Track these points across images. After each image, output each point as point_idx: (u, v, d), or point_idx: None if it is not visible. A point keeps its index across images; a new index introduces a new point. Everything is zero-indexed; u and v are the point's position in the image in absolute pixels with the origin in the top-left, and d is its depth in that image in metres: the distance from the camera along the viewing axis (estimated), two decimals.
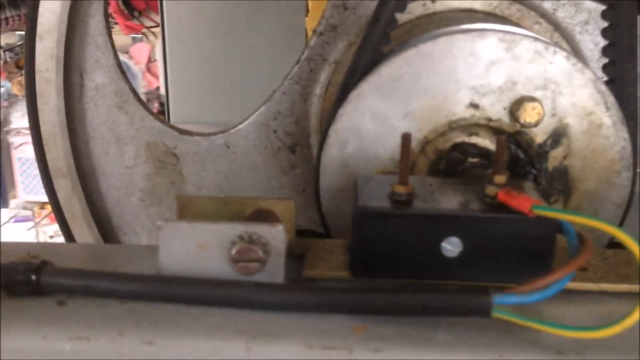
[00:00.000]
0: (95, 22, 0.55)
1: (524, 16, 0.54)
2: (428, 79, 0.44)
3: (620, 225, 0.46)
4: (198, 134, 0.60)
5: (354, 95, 0.45)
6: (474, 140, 0.47)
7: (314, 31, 0.56)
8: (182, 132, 0.60)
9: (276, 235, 0.36)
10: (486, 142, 0.47)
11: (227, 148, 0.60)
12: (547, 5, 0.53)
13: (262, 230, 0.36)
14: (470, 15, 0.53)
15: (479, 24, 0.45)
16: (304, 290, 0.35)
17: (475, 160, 0.46)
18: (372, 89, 0.44)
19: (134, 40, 3.06)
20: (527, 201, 0.35)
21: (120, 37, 3.04)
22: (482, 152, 0.46)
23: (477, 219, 0.36)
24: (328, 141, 0.46)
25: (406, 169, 0.37)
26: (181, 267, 0.36)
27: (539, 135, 0.45)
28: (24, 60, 0.52)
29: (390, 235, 0.36)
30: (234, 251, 0.36)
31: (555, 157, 0.45)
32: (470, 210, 0.37)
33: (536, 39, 0.43)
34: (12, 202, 2.56)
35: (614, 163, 0.45)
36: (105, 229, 0.63)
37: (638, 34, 0.42)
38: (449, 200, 0.38)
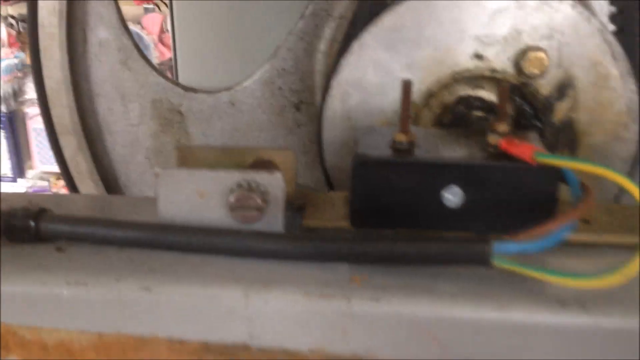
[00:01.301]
0: None
1: None
2: (431, 28, 0.43)
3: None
4: (203, 91, 0.60)
5: (355, 46, 0.44)
6: (479, 93, 0.46)
7: None
8: (187, 89, 0.60)
9: (275, 183, 0.36)
10: (491, 95, 0.46)
11: (232, 105, 0.60)
12: None
13: (260, 177, 0.36)
14: None
15: None
16: (301, 239, 0.35)
17: (480, 114, 0.46)
18: (374, 40, 0.44)
19: (146, 10, 3.05)
20: (529, 149, 0.35)
21: (132, 8, 3.03)
22: (487, 106, 0.46)
23: (478, 167, 0.36)
24: (330, 93, 0.45)
25: (406, 116, 0.37)
26: (180, 215, 0.36)
27: (544, 86, 0.44)
28: (27, 13, 0.52)
29: (390, 184, 0.36)
30: (232, 199, 0.36)
31: (561, 109, 0.44)
32: (471, 159, 0.36)
33: None
34: (29, 173, 2.58)
35: (621, 116, 0.44)
36: (112, 187, 0.63)
37: None
38: (451, 150, 0.38)
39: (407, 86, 0.36)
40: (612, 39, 0.42)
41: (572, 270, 0.36)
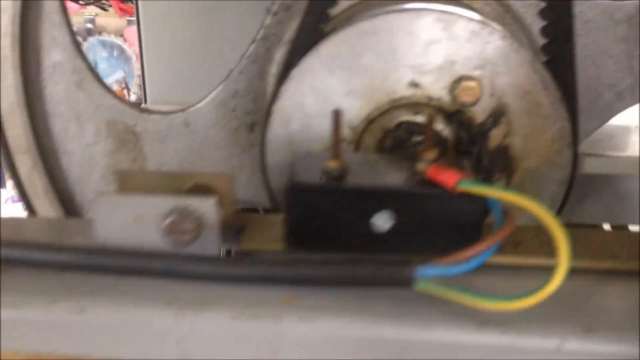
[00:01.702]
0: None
1: None
2: (368, 57, 0.44)
3: (564, 203, 0.47)
4: (157, 112, 0.61)
5: (295, 73, 0.45)
6: (419, 118, 0.47)
7: (269, 10, 0.57)
8: (142, 110, 0.61)
9: (208, 208, 0.37)
10: None
11: (186, 126, 0.61)
12: None
13: (195, 203, 0.37)
14: None
15: (419, 3, 0.45)
16: (232, 262, 0.36)
17: (420, 138, 0.47)
18: (313, 67, 0.45)
19: (129, 22, 3.05)
20: (453, 177, 0.36)
21: (115, 20, 3.03)
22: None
23: (405, 194, 0.37)
24: (272, 119, 0.46)
25: (337, 144, 0.38)
26: (117, 240, 0.37)
27: (479, 114, 0.45)
28: None
29: (322, 209, 0.37)
30: (166, 223, 0.37)
31: (496, 136, 0.46)
32: (399, 186, 0.37)
33: (472, 19, 0.43)
34: (10, 183, 2.56)
35: (554, 142, 0.45)
36: (68, 206, 0.63)
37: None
38: (383, 176, 0.39)
39: (336, 116, 0.38)
40: (541, 69, 0.44)
41: (496, 291, 0.37)
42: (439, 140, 0.47)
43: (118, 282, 0.36)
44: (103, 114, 0.60)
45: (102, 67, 2.60)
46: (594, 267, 0.37)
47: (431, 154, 0.37)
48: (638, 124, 0.90)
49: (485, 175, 0.47)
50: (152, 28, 1.00)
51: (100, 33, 2.88)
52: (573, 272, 0.37)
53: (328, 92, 0.45)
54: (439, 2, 0.50)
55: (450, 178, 0.36)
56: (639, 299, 0.35)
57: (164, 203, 0.37)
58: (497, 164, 0.46)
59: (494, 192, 0.35)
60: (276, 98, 0.46)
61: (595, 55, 0.55)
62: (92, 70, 0.59)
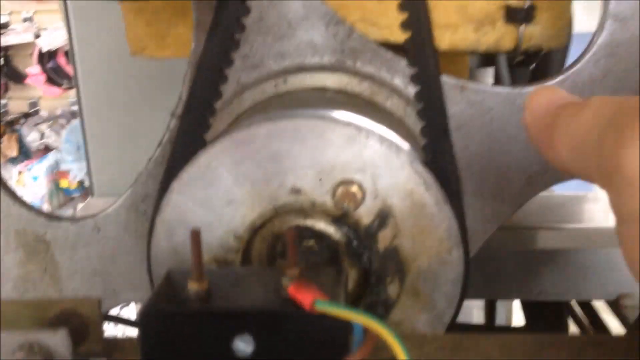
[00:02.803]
0: None
1: (375, 92, 0.54)
2: (247, 166, 0.44)
3: (460, 301, 0.45)
4: (67, 219, 0.60)
5: (175, 184, 0.44)
6: (309, 222, 0.46)
7: (172, 114, 0.56)
8: (51, 217, 0.60)
9: (59, 342, 0.35)
10: (320, 224, 0.46)
11: (97, 231, 0.60)
12: (398, 82, 0.53)
13: (44, 336, 0.35)
14: (321, 94, 0.53)
15: (297, 110, 0.45)
16: None
17: (311, 242, 0.46)
18: (192, 178, 0.44)
19: None
20: (310, 296, 0.34)
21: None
22: (317, 235, 0.46)
23: (266, 315, 0.35)
24: (155, 231, 0.45)
25: (198, 264, 0.37)
26: None
27: (365, 216, 0.44)
28: None
29: (179, 334, 0.36)
30: None
31: (384, 237, 0.44)
32: (259, 306, 0.36)
33: (349, 124, 0.43)
34: None
35: (442, 241, 0.44)
36: None
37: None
38: (248, 294, 0.37)
39: (195, 236, 0.36)
40: (422, 170, 0.43)
41: None
42: (330, 244, 0.46)
43: None
44: (11, 223, 0.59)
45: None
46: None
47: (293, 271, 0.36)
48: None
49: (377, 278, 0.45)
50: (94, 119, 1.00)
51: None
52: None
53: (209, 202, 0.44)
54: (331, 102, 0.49)
55: (307, 298, 0.34)
56: None
57: (9, 339, 0.35)
58: (388, 266, 0.45)
59: (344, 314, 0.33)
60: (158, 210, 0.45)
61: (502, 142, 0.54)
62: (1, 181, 0.58)
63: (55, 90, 3.68)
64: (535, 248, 0.81)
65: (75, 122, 3.33)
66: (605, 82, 0.52)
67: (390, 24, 0.60)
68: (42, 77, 3.69)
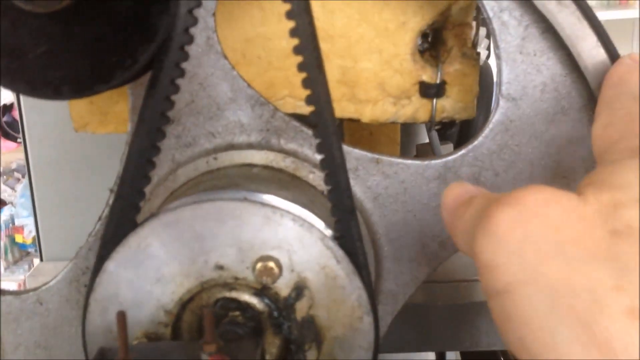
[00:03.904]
0: None
1: (298, 167, 0.58)
2: (173, 246, 0.47)
3: None
4: (9, 293, 0.62)
5: (107, 265, 0.48)
6: (234, 294, 0.50)
7: (111, 190, 0.60)
8: None
9: None
10: (245, 296, 0.50)
11: (40, 305, 0.62)
12: (318, 157, 0.58)
13: None
14: (248, 170, 0.58)
15: (215, 193, 0.49)
16: None
17: (236, 314, 0.50)
18: (122, 259, 0.48)
19: None
20: None
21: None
22: (242, 306, 0.50)
23: None
24: (89, 309, 0.48)
25: (124, 344, 0.40)
26: None
27: (283, 289, 0.48)
28: None
29: None
30: None
31: (301, 308, 0.48)
32: None
33: (264, 205, 0.47)
34: None
35: (354, 310, 0.48)
36: None
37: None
38: None
39: (120, 317, 0.40)
40: (332, 244, 0.47)
41: None
42: (253, 314, 0.50)
43: None
44: None
45: None
46: None
47: (211, 347, 0.40)
48: None
49: (297, 346, 0.49)
50: (43, 186, 1.03)
51: None
52: None
53: (139, 282, 0.48)
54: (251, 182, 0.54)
55: None
56: None
57: None
58: (306, 335, 0.49)
59: None
60: (91, 290, 0.48)
61: (416, 210, 0.59)
62: None
63: (10, 144, 3.66)
64: (469, 301, 0.86)
65: None
66: (502, 154, 0.58)
67: None
68: None
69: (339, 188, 0.47)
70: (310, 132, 0.58)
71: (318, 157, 0.50)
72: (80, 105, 0.75)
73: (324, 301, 0.48)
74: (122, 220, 0.49)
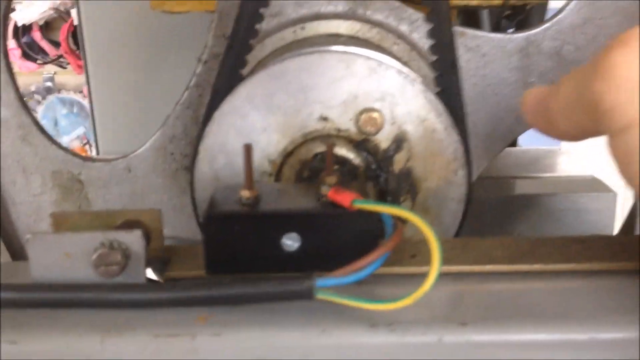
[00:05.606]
0: None
1: (383, 38, 0.59)
2: (280, 96, 0.49)
3: (464, 218, 0.52)
4: (100, 160, 0.65)
5: (217, 114, 0.50)
6: (332, 149, 0.52)
7: (199, 59, 0.61)
8: (85, 158, 0.65)
9: (134, 240, 0.41)
10: (343, 150, 0.52)
11: (128, 172, 0.65)
12: (404, 28, 0.59)
13: (121, 236, 0.41)
14: (335, 39, 0.59)
15: (323, 46, 0.51)
16: (152, 287, 0.40)
17: (334, 167, 0.52)
18: (231, 108, 0.50)
19: None
20: (349, 197, 0.41)
21: (74, 77, 3.09)
22: (340, 160, 0.52)
23: (309, 215, 0.42)
24: (198, 158, 0.51)
25: (249, 175, 0.43)
26: (51, 276, 0.41)
27: (383, 141, 0.50)
28: None
29: (237, 234, 0.42)
30: (95, 257, 0.40)
31: (399, 160, 0.51)
32: (304, 209, 0.42)
33: (369, 58, 0.49)
34: None
35: (449, 163, 0.50)
36: (18, 254, 0.67)
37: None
38: (291, 201, 0.44)
39: (247, 150, 0.42)
40: (434, 98, 0.49)
41: (393, 296, 0.41)
42: (350, 168, 0.52)
43: (49, 315, 0.40)
44: (48, 165, 0.64)
45: (63, 124, 2.63)
46: (476, 270, 0.42)
47: (332, 179, 0.42)
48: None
49: (393, 197, 0.52)
50: (100, 81, 1.05)
51: (59, 90, 2.93)
52: (454, 275, 0.42)
53: (247, 130, 0.50)
54: (346, 45, 0.55)
55: (346, 198, 0.41)
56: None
57: (92, 238, 0.41)
58: (402, 186, 0.51)
59: (381, 208, 0.39)
60: (201, 139, 0.51)
61: (494, 84, 0.61)
62: (37, 124, 0.63)
63: (31, 65, 3.65)
64: (514, 194, 0.88)
65: (52, 98, 3.31)
66: (585, 28, 0.59)
67: None
68: (18, 52, 3.67)
69: (443, 41, 0.49)
70: (396, 2, 0.59)
71: (416, 34, 0.51)
72: None
73: (422, 154, 0.50)
74: (230, 73, 0.50)
